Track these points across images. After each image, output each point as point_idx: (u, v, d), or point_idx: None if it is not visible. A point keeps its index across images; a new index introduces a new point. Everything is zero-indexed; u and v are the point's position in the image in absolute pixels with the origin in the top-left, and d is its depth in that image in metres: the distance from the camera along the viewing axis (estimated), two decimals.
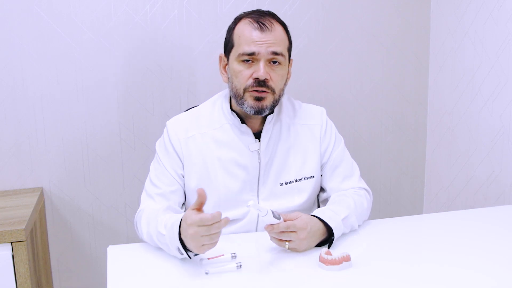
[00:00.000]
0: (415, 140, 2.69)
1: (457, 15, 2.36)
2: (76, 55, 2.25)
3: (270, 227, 1.38)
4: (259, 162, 1.61)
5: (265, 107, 1.54)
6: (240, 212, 1.62)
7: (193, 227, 1.28)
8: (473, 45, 2.27)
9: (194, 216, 1.28)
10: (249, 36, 1.51)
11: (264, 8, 2.28)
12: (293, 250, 1.44)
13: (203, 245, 1.29)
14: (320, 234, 1.47)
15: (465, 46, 2.33)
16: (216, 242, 1.31)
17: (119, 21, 2.26)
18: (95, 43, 2.25)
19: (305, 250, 1.44)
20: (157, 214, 1.50)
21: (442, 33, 2.48)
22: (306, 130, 1.68)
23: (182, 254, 1.37)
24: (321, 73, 2.51)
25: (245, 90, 1.53)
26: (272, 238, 1.43)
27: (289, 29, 2.36)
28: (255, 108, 1.53)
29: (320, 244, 1.48)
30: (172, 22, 2.31)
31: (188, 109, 1.75)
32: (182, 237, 1.33)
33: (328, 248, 1.45)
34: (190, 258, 1.38)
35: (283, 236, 1.41)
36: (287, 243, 1.42)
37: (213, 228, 1.28)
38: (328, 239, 1.48)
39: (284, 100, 1.70)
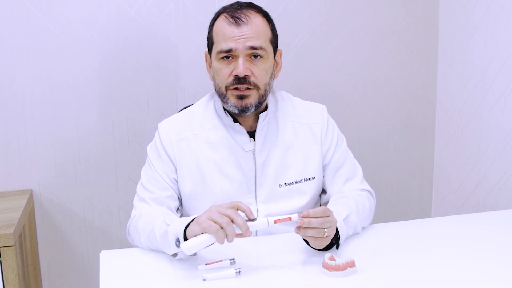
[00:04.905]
0: (423, 139, 2.68)
1: (467, 9, 2.36)
2: (67, 51, 2.24)
3: (306, 213, 1.32)
4: (254, 163, 1.60)
5: (249, 105, 1.53)
6: None
7: (213, 207, 1.33)
8: (484, 40, 2.28)
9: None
10: (225, 33, 1.52)
11: (264, 2, 2.29)
12: (325, 239, 1.37)
13: (215, 222, 1.29)
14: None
15: (476, 41, 2.33)
16: (229, 229, 1.30)
17: (112, 15, 2.26)
18: (87, 38, 2.25)
19: (326, 243, 1.39)
20: (163, 211, 1.54)
21: (451, 28, 2.48)
22: (306, 129, 1.66)
23: (178, 246, 1.35)
24: (324, 70, 2.50)
25: (226, 89, 1.54)
26: (308, 231, 1.34)
27: (290, 23, 2.42)
28: (238, 107, 1.53)
29: (324, 249, 1.44)
30: (168, 16, 2.31)
31: (181, 110, 1.75)
32: (193, 223, 1.35)
33: (337, 248, 1.45)
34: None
35: (319, 224, 1.34)
36: (326, 229, 1.35)
37: (228, 210, 1.31)
38: (331, 246, 1.45)
39: (281, 96, 1.68)
